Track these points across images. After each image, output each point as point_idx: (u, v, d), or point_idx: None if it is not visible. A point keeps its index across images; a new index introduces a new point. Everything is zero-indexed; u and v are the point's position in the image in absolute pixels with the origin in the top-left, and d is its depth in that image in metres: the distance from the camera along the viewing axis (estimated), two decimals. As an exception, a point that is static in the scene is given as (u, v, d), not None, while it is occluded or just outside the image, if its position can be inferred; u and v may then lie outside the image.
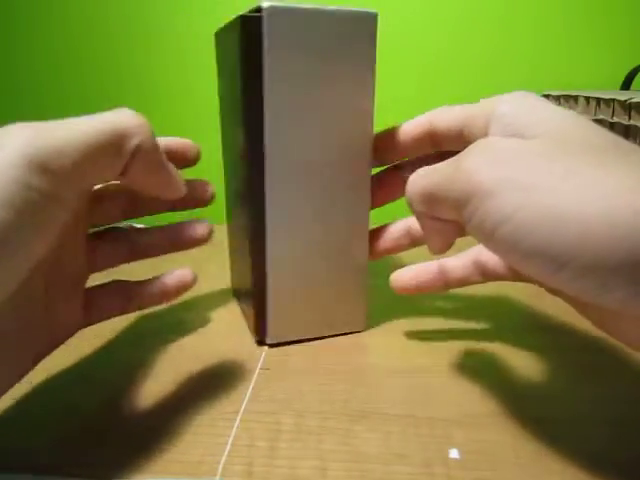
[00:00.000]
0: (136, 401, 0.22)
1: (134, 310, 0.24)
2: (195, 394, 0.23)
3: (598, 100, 0.46)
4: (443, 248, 0.20)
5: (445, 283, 0.26)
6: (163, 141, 0.22)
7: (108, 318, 0.23)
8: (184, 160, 0.23)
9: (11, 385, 0.19)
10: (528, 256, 0.14)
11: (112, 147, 0.17)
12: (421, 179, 0.19)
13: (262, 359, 0.26)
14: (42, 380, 0.23)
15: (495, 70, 0.58)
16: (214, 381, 0.24)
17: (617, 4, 0.56)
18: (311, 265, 0.26)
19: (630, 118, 0.41)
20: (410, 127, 0.24)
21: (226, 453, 0.19)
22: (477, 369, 0.24)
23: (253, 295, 0.26)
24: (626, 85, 0.53)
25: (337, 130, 0.24)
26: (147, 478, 0.18)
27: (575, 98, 0.49)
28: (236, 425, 0.21)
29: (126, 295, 0.23)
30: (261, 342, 0.27)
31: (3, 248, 0.14)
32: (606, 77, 0.56)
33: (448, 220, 0.18)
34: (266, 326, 0.26)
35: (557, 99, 0.52)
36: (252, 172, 0.24)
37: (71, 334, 0.22)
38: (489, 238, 0.15)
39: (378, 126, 0.25)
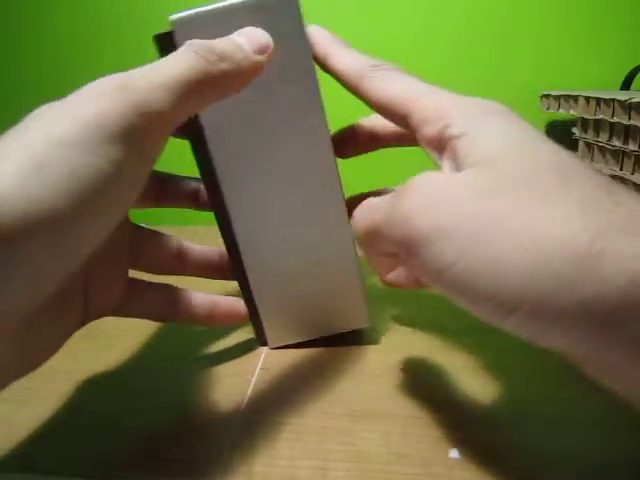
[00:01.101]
0: (135, 401, 0.22)
1: (173, 319, 0.23)
2: (195, 393, 0.23)
3: (598, 100, 0.46)
4: (391, 278, 0.20)
5: None
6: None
7: (146, 317, 0.23)
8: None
9: (39, 364, 0.18)
10: (475, 302, 0.14)
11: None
12: (363, 217, 0.18)
13: (262, 359, 0.26)
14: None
15: (495, 70, 0.58)
16: (214, 380, 0.24)
17: (617, 4, 0.56)
18: (293, 269, 0.25)
19: (630, 118, 0.41)
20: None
21: (226, 453, 0.19)
22: (477, 369, 0.24)
23: (245, 304, 0.26)
24: (626, 85, 0.53)
25: (288, 128, 0.23)
26: (147, 478, 0.18)
27: (575, 98, 0.49)
28: (236, 425, 0.21)
29: (172, 300, 0.23)
30: (264, 345, 0.27)
31: (101, 199, 0.14)
32: (606, 77, 0.56)
33: (393, 253, 0.17)
34: (264, 332, 0.26)
35: (557, 99, 0.52)
36: (209, 190, 0.23)
37: (102, 316, 0.21)
38: (433, 282, 0.15)
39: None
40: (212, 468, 0.18)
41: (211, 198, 0.24)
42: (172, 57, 0.17)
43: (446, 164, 0.17)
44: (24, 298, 0.14)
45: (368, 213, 0.18)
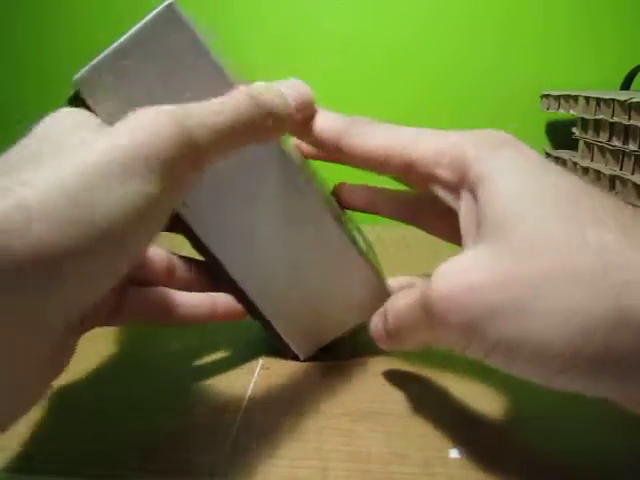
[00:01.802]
0: (135, 400, 0.22)
1: (172, 322, 0.23)
2: (195, 393, 0.23)
3: (598, 100, 0.46)
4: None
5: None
6: None
7: (144, 322, 0.23)
8: None
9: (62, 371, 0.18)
10: (523, 372, 0.16)
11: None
12: (384, 326, 0.20)
13: (262, 359, 0.26)
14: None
15: (495, 69, 0.58)
16: (214, 380, 0.24)
17: (617, 5, 0.56)
18: (300, 285, 0.24)
19: (630, 118, 0.41)
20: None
21: (226, 453, 0.19)
22: (477, 369, 0.24)
23: (265, 328, 0.25)
24: (626, 85, 0.53)
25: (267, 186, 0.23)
26: (147, 478, 0.18)
27: (575, 98, 0.49)
28: (236, 425, 0.21)
29: (169, 304, 0.22)
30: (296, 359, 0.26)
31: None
32: (606, 77, 0.56)
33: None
34: (290, 348, 0.25)
35: (557, 99, 0.52)
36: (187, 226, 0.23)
37: (98, 326, 0.21)
38: (480, 360, 0.17)
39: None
40: (212, 468, 0.18)
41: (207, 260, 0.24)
42: (228, 100, 0.17)
43: (464, 213, 0.18)
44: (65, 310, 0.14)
45: (391, 321, 0.20)
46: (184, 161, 0.15)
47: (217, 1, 0.60)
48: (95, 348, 0.27)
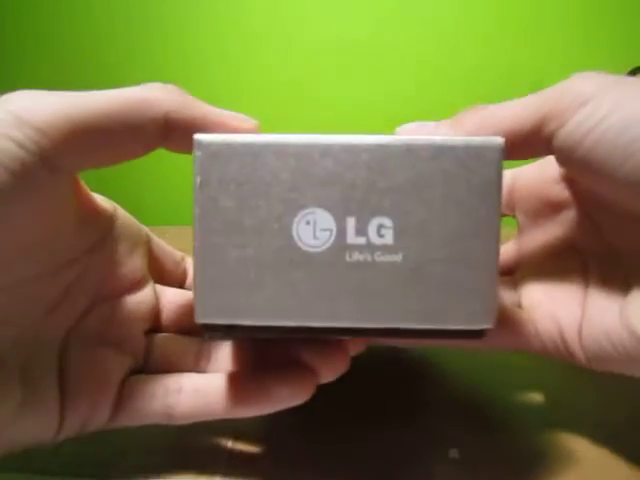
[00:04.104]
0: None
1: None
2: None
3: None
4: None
5: None
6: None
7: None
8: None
9: None
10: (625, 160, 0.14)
11: (128, 117, 0.15)
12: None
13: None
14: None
15: (495, 69, 0.58)
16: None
17: (617, 5, 0.56)
18: None
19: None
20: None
21: (226, 453, 0.19)
22: (476, 369, 0.24)
23: None
24: (626, 85, 0.53)
25: None
26: (147, 478, 0.18)
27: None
28: (236, 424, 0.21)
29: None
30: None
31: None
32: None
33: None
34: None
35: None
36: None
37: None
38: (578, 147, 0.15)
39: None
40: (212, 468, 0.18)
41: None
42: None
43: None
44: None
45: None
46: (26, 145, 0.14)
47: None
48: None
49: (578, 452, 0.19)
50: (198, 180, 0.15)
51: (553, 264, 0.20)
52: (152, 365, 0.19)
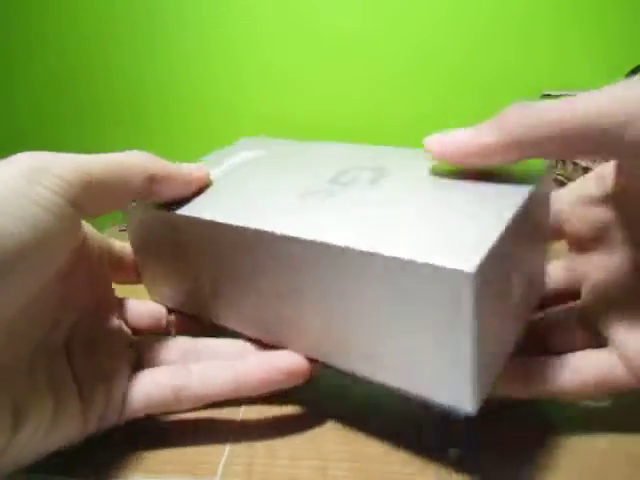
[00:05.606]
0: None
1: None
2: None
3: (598, 100, 0.45)
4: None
5: None
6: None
7: None
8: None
9: None
10: None
11: (124, 173, 0.19)
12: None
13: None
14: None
15: (496, 70, 0.58)
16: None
17: (617, 5, 0.56)
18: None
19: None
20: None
21: (226, 453, 0.19)
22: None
23: None
24: (626, 85, 0.53)
25: None
26: (147, 478, 0.18)
27: (575, 98, 0.49)
28: (236, 424, 0.21)
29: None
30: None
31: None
32: (606, 77, 0.56)
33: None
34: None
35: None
36: None
37: None
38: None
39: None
40: (212, 468, 0.18)
41: None
42: None
43: None
44: None
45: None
46: (38, 199, 0.16)
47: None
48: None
49: (579, 451, 0.19)
50: None
51: (623, 290, 0.19)
52: (147, 362, 0.21)
